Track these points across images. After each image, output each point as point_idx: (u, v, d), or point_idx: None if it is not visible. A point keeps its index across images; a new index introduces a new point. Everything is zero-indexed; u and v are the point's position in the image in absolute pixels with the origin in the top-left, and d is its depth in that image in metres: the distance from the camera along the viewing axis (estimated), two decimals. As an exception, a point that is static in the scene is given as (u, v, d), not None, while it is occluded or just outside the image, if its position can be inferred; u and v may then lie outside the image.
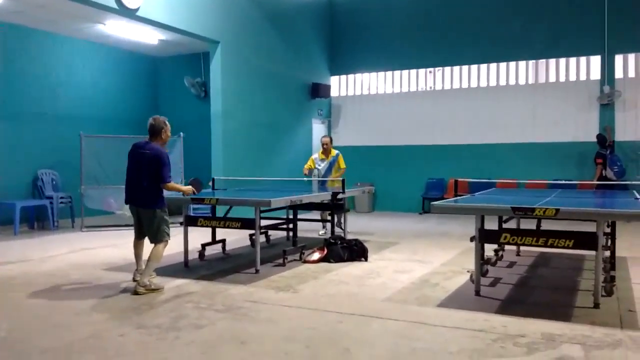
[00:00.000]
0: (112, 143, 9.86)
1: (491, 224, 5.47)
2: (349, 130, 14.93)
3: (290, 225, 7.81)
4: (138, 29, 10.61)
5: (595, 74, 12.31)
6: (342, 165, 9.54)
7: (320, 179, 9.42)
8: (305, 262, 6.83)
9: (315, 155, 9.66)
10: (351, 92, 15.06)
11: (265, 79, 12.20)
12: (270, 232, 8.41)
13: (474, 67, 13.54)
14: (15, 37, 10.60)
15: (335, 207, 7.97)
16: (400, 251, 7.83)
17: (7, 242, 8.66)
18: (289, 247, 7.22)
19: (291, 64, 13.27)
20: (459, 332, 4.07)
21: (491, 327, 4.18)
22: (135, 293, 5.17)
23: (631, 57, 12.05)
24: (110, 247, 8.06)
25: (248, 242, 8.13)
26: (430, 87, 14.09)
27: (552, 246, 4.83)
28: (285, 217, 8.25)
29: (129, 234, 5.75)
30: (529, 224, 6.73)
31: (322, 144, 9.61)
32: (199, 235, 7.48)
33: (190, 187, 5.93)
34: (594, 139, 11.58)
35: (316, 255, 6.91)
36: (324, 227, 9.48)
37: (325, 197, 7.67)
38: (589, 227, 4.80)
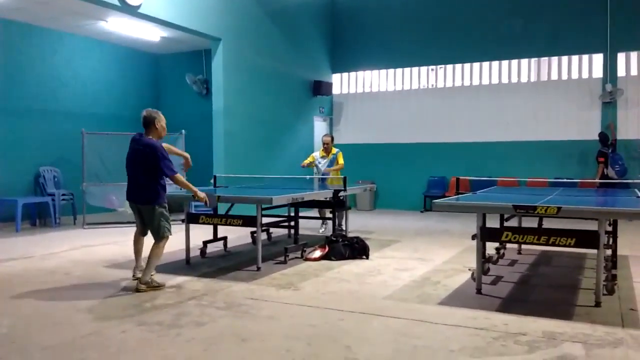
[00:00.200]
0: (114, 140, 9.86)
1: (493, 222, 5.47)
2: (350, 128, 14.93)
3: (292, 223, 7.81)
4: (140, 26, 10.61)
5: (598, 72, 12.29)
6: (340, 161, 9.53)
7: (320, 176, 9.43)
8: (307, 259, 6.84)
9: (316, 154, 9.68)
10: (353, 90, 15.05)
11: (267, 76, 12.20)
12: (271, 229, 8.42)
13: (476, 64, 13.51)
14: (17, 34, 10.60)
15: (336, 205, 7.97)
16: (401, 249, 7.83)
17: (9, 238, 8.68)
18: (290, 244, 7.23)
19: (293, 61, 13.26)
20: (460, 330, 4.07)
21: (492, 325, 4.18)
22: (137, 290, 5.17)
23: (634, 55, 12.02)
24: (112, 245, 8.07)
25: (249, 240, 8.14)
26: (432, 85, 14.08)
27: (553, 244, 4.83)
28: (286, 214, 8.26)
29: (131, 231, 5.75)
30: (530, 222, 6.72)
31: (323, 143, 9.62)
32: (201, 233, 7.49)
33: (205, 194, 5.73)
34: (596, 137, 11.56)
35: (317, 253, 6.92)
36: (323, 224, 9.48)
37: (327, 194, 7.67)
38: (591, 226, 4.80)
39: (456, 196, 6.25)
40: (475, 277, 5.26)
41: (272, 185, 8.79)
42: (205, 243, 7.17)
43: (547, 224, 6.66)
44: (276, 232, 8.83)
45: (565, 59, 12.64)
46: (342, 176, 8.01)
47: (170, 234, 5.48)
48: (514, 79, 13.17)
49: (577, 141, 12.26)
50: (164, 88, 13.95)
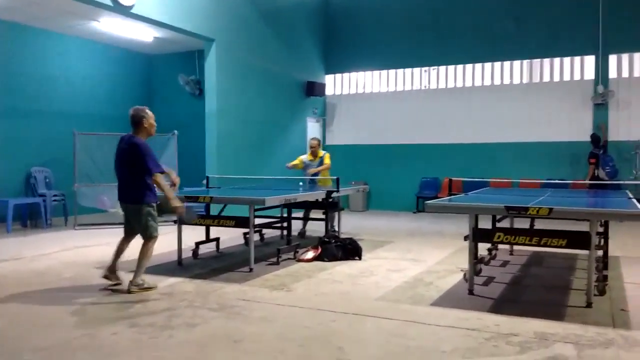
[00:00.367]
0: (106, 140, 9.78)
1: (485, 223, 5.49)
2: (343, 128, 14.94)
3: (285, 224, 7.80)
4: (133, 27, 10.57)
5: (589, 74, 12.37)
6: (327, 161, 9.35)
7: (310, 177, 9.34)
8: (300, 260, 6.83)
9: (304, 157, 9.57)
10: (346, 91, 15.06)
11: (260, 77, 12.19)
12: (264, 230, 8.40)
13: (469, 66, 13.57)
14: (9, 34, 10.53)
15: (329, 206, 7.97)
16: (394, 250, 7.84)
17: (0, 240, 8.62)
18: (283, 245, 7.22)
19: (286, 62, 13.25)
20: (452, 331, 4.08)
21: (484, 326, 4.19)
22: (129, 292, 5.14)
23: (625, 57, 12.11)
24: (104, 246, 8.02)
25: (242, 241, 8.12)
26: (425, 86, 14.11)
27: (545, 245, 4.86)
28: (279, 215, 8.25)
29: (122, 232, 5.70)
30: (522, 224, 6.75)
31: (310, 147, 9.46)
32: (193, 234, 7.46)
33: (182, 205, 5.44)
34: (588, 139, 11.62)
35: (310, 254, 6.91)
36: (304, 226, 9.19)
37: (320, 195, 7.66)
38: (582, 227, 4.83)
39: (449, 197, 6.26)
40: (468, 278, 5.27)
41: (265, 186, 8.77)
42: (198, 244, 7.15)
43: (539, 224, 6.68)
44: (269, 233, 8.81)
45: (557, 60, 12.71)
46: (335, 177, 7.99)
47: (157, 234, 5.38)
48: (507, 81, 13.22)
49: (569, 142, 12.33)
50: (156, 88, 13.90)
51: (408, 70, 14.26)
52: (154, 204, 5.38)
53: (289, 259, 6.91)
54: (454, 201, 5.59)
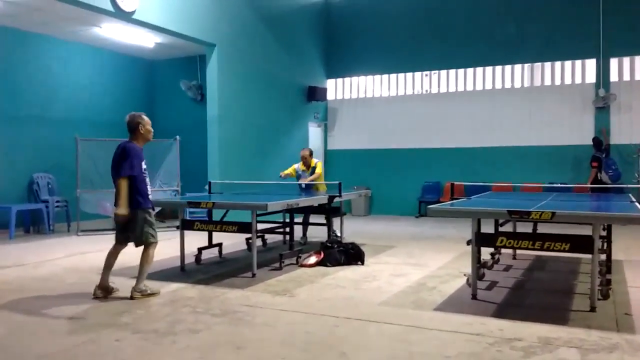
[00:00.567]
0: (108, 146, 9.74)
1: (487, 227, 5.48)
2: (345, 133, 14.95)
3: (287, 229, 7.79)
4: (134, 32, 10.61)
5: (591, 78, 12.37)
6: (318, 170, 9.21)
7: (303, 182, 9.26)
8: (302, 265, 6.83)
9: (297, 165, 9.51)
10: (347, 96, 15.08)
11: (262, 82, 12.21)
12: (266, 235, 8.39)
13: (470, 70, 13.58)
14: (11, 41, 10.56)
15: (331, 211, 7.96)
16: (396, 255, 7.83)
17: (3, 246, 8.63)
18: (285, 250, 7.21)
19: (287, 67, 13.28)
20: (456, 336, 4.07)
21: (488, 331, 4.18)
22: (131, 298, 5.14)
23: (626, 60, 12.12)
24: (106, 252, 7.98)
25: (245, 246, 8.12)
26: (427, 91, 14.12)
27: (548, 250, 4.85)
28: (281, 220, 8.24)
29: (113, 240, 5.59)
30: (525, 227, 6.74)
31: (302, 157, 9.32)
32: (196, 239, 7.47)
33: (122, 215, 5.13)
34: (590, 142, 11.63)
35: (313, 259, 6.91)
36: (304, 234, 9.09)
37: (322, 200, 7.65)
38: (585, 231, 4.82)
39: (451, 201, 6.26)
40: (471, 283, 5.26)
41: (267, 191, 8.77)
42: (200, 250, 7.15)
43: (542, 228, 6.68)
44: (271, 238, 8.81)
45: (558, 64, 12.72)
46: (337, 182, 7.95)
47: (156, 240, 5.31)
48: (508, 85, 13.24)
49: (571, 146, 12.32)
50: (158, 94, 13.92)
51: (409, 75, 14.28)
52: (150, 210, 5.31)
53: (291, 264, 6.90)
54: (456, 205, 5.59)
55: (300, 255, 7.07)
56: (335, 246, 7.10)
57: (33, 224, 10.38)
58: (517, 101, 13.01)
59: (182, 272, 6.52)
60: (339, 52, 14.97)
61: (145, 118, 5.39)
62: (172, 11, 9.75)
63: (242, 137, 11.49)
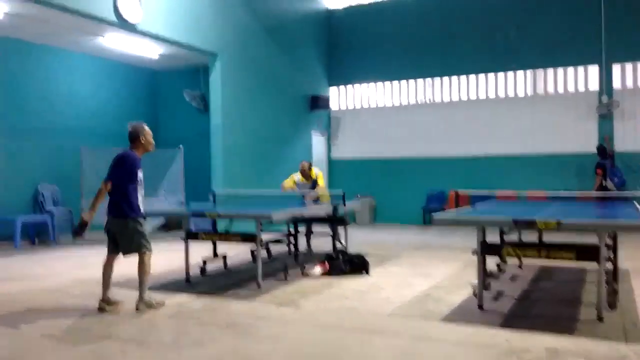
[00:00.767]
0: (112, 156, 9.79)
1: (492, 236, 5.45)
2: (348, 142, 14.96)
3: (292, 239, 7.78)
4: (138, 43, 10.66)
5: (594, 85, 12.38)
6: (321, 183, 9.27)
7: (310, 198, 9.21)
8: (307, 276, 6.81)
9: (296, 177, 9.50)
10: (350, 105, 15.11)
11: (265, 91, 12.25)
12: (271, 245, 8.37)
13: (472, 78, 13.61)
14: (15, 51, 10.63)
15: (336, 221, 7.94)
16: (401, 264, 7.81)
17: (8, 257, 8.64)
18: (290, 261, 7.19)
19: (290, 76, 13.33)
20: (464, 347, 4.04)
21: (495, 342, 4.15)
22: (137, 309, 5.13)
23: (629, 66, 12.12)
24: (111, 262, 8.02)
25: (249, 256, 8.09)
26: (430, 99, 14.14)
27: (554, 259, 4.83)
28: (286, 230, 8.23)
29: (106, 251, 5.57)
30: (530, 236, 6.71)
31: (301, 170, 9.19)
32: (200, 250, 7.45)
33: (85, 220, 5.16)
34: (594, 150, 11.60)
35: (318, 270, 6.89)
36: (308, 244, 9.00)
37: (326, 210, 7.63)
38: (591, 239, 4.79)
39: (455, 210, 6.24)
40: (477, 293, 5.23)
41: (272, 201, 8.76)
42: (205, 261, 7.13)
43: (547, 237, 6.64)
44: (276, 248, 8.79)
45: (560, 71, 12.73)
46: (341, 191, 7.93)
47: (149, 249, 5.23)
48: (511, 93, 13.24)
49: (575, 154, 12.30)
50: (162, 104, 13.98)
51: (412, 83, 14.30)
52: (141, 219, 5.25)
53: (296, 274, 6.89)
54: (461, 214, 5.57)
55: (305, 265, 7.05)
56: (340, 256, 7.08)
57: (38, 235, 10.39)
58: (520, 109, 13.01)
59: (187, 284, 6.50)
60: (341, 61, 15.02)
61: (147, 129, 5.39)
62: (176, 22, 9.81)
63: (246, 146, 11.52)
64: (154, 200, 10.44)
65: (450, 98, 13.88)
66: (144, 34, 9.38)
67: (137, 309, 5.14)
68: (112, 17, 8.57)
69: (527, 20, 12.91)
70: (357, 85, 14.95)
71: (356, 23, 14.85)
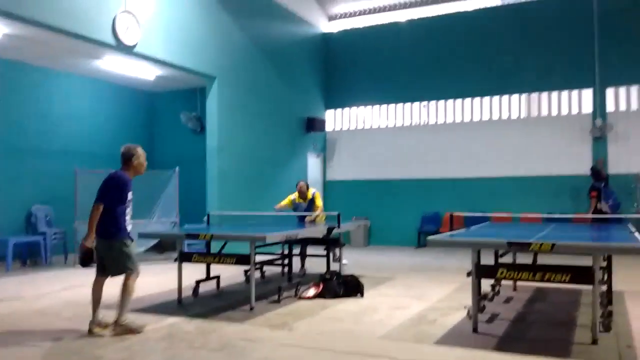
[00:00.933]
0: (107, 178, 9.81)
1: (487, 258, 5.45)
2: (343, 164, 15.00)
3: (286, 261, 7.75)
4: (135, 65, 10.70)
5: (587, 108, 12.48)
6: (319, 203, 9.30)
7: (300, 213, 9.24)
8: (301, 298, 6.77)
9: (293, 196, 9.53)
10: (346, 126, 15.18)
11: (261, 113, 12.30)
12: (265, 267, 8.34)
13: (467, 100, 13.71)
14: (11, 73, 10.64)
15: (330, 242, 7.92)
16: (396, 286, 7.77)
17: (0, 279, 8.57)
18: (284, 282, 7.16)
19: (286, 98, 13.41)
20: (457, 371, 4.01)
21: (489, 365, 4.12)
22: (113, 333, 4.97)
23: (622, 90, 12.24)
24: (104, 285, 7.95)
25: (243, 278, 8.06)
26: (424, 121, 14.22)
27: (548, 281, 4.82)
28: (280, 252, 8.20)
29: (95, 273, 5.51)
30: (525, 258, 6.71)
31: (299, 190, 9.35)
32: (193, 272, 7.40)
33: (89, 247, 5.08)
34: (587, 172, 11.62)
35: (312, 291, 6.85)
36: (302, 265, 8.99)
37: (321, 232, 7.62)
38: (585, 261, 4.79)
39: (450, 232, 6.24)
40: (471, 315, 5.20)
41: (266, 223, 8.75)
42: (198, 282, 7.08)
43: (542, 259, 6.64)
44: (269, 269, 8.74)
45: (555, 94, 12.86)
46: (336, 213, 7.93)
47: (134, 270, 5.14)
48: (505, 115, 13.34)
49: (569, 176, 12.35)
50: (158, 125, 14.00)
51: (407, 105, 14.40)
52: (127, 240, 5.18)
53: (290, 296, 6.84)
54: (455, 236, 5.57)
55: (299, 287, 7.01)
56: (334, 278, 7.04)
57: (30, 256, 10.31)
58: (514, 132, 13.10)
59: (179, 306, 6.45)
60: (337, 84, 15.13)
61: (140, 151, 5.37)
62: (173, 44, 9.88)
63: (241, 168, 11.53)
64: (147, 222, 10.41)
65: (445, 120, 13.97)
66: (142, 56, 9.44)
67: (114, 332, 5.00)
68: (110, 40, 8.63)
69: (522, 45, 13.06)
70: (353, 108, 15.03)
71: (351, 47, 15.01)
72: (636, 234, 5.67)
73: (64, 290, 7.55)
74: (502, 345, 4.72)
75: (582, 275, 4.72)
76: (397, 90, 14.39)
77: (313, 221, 9.07)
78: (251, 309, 6.11)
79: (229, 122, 11.18)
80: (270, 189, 12.42)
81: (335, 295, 6.80)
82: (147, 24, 9.32)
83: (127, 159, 5.31)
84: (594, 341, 4.63)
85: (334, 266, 8.13)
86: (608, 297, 5.85)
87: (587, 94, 12.49)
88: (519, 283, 7.34)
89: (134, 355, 4.45)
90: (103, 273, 5.25)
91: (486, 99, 13.51)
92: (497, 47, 13.33)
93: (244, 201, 11.29)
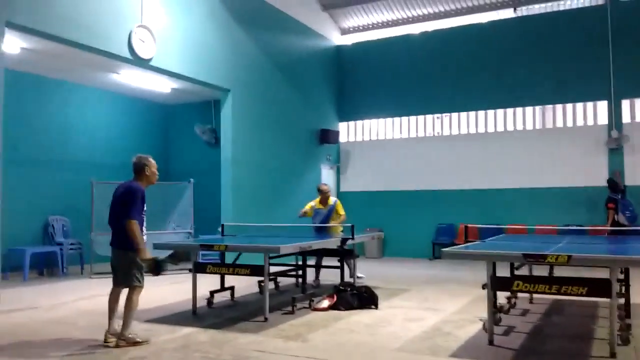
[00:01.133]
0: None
1: (502, 270, 5.40)
2: (357, 175, 14.99)
3: (300, 272, 7.74)
4: (151, 78, 10.83)
5: (603, 119, 12.39)
6: (341, 212, 9.28)
7: (319, 225, 9.23)
8: (315, 309, 6.75)
9: (312, 203, 9.51)
10: (360, 138, 15.20)
11: (275, 125, 12.37)
12: (279, 278, 8.34)
13: (481, 112, 13.67)
14: (29, 86, 10.80)
15: (344, 254, 7.90)
16: (410, 298, 7.73)
17: (17, 288, 8.64)
18: (298, 294, 7.15)
19: (300, 110, 13.47)
20: (473, 384, 3.97)
21: (505, 378, 4.08)
22: (117, 346, 4.97)
23: (638, 101, 12.14)
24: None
25: (257, 289, 8.06)
26: (438, 133, 14.20)
27: (565, 294, 4.76)
28: (294, 263, 8.20)
29: (111, 283, 5.56)
30: (541, 270, 6.64)
31: (323, 192, 9.25)
32: (208, 282, 7.43)
33: (151, 258, 5.18)
34: (604, 184, 11.52)
35: (325, 303, 6.83)
36: (316, 276, 9.05)
37: (335, 243, 7.60)
38: (602, 273, 4.74)
39: (465, 244, 6.20)
40: (487, 328, 5.16)
41: (280, 234, 8.76)
42: (212, 293, 7.11)
43: (558, 271, 6.57)
44: (283, 280, 8.75)
45: (570, 106, 12.78)
46: (350, 224, 7.91)
47: (140, 285, 5.16)
48: (520, 127, 13.28)
49: (585, 188, 12.23)
50: (173, 138, 14.13)
51: (421, 117, 14.38)
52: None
53: (304, 307, 6.83)
54: (470, 248, 5.54)
55: (313, 298, 7.00)
56: (349, 289, 7.02)
57: (47, 266, 10.41)
58: (529, 143, 13.02)
59: (194, 316, 6.47)
60: (351, 96, 15.17)
61: (152, 161, 5.42)
62: (188, 58, 10.00)
63: (256, 179, 11.58)
64: (163, 233, 10.48)
65: (459, 132, 13.93)
66: (157, 69, 9.56)
67: (117, 345, 4.99)
68: (127, 54, 8.75)
69: (537, 57, 13.01)
70: (366, 120, 15.06)
71: (365, 59, 15.05)
72: (654, 246, 5.60)
73: (80, 300, 7.61)
74: (519, 358, 4.67)
75: (600, 288, 4.67)
76: (410, 102, 14.38)
77: (326, 228, 9.05)
78: (265, 319, 6.11)
79: (243, 134, 11.25)
80: (284, 200, 12.46)
81: (349, 306, 6.78)
82: (163, 37, 9.44)
83: (139, 169, 5.37)
84: (612, 354, 4.57)
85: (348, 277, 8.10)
86: (626, 310, 5.77)
87: (602, 105, 12.39)
88: (535, 295, 7.27)
89: (149, 365, 4.46)
90: (118, 286, 5.30)
91: (500, 111, 13.46)
92: (511, 59, 13.29)
93: (259, 212, 11.34)
